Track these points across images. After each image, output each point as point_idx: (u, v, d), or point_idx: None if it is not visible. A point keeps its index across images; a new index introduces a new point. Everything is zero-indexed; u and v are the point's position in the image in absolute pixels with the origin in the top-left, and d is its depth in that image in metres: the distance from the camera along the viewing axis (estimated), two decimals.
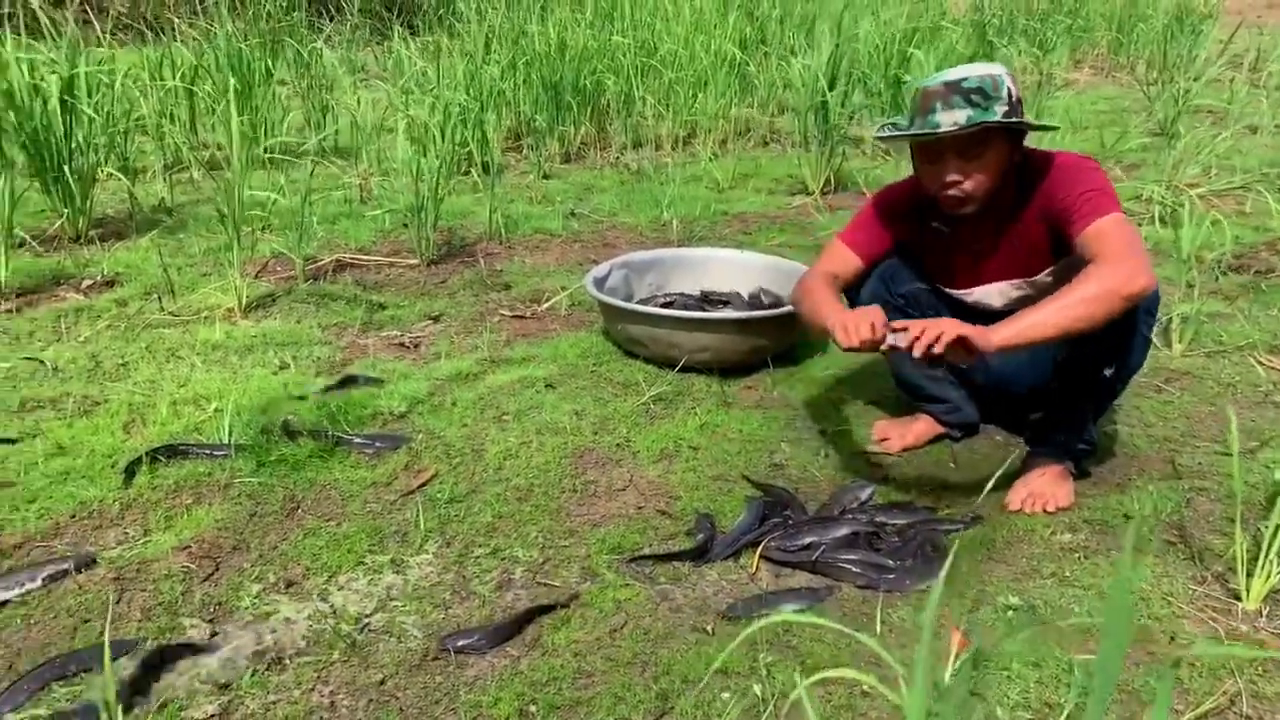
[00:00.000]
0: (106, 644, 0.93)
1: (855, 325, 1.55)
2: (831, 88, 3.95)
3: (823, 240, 3.33)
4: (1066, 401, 1.74)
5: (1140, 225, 3.47)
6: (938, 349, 1.45)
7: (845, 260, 1.87)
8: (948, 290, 1.89)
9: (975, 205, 1.69)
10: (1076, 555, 1.61)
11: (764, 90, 5.15)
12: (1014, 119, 1.60)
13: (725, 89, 4.87)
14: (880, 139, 1.76)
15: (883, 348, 1.56)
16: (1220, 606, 1.48)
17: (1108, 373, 1.67)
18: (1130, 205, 3.73)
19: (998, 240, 1.76)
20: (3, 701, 1.22)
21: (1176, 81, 5.22)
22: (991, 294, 1.83)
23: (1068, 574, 1.55)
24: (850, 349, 1.57)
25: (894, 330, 1.53)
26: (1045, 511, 1.72)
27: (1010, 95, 1.61)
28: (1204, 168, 3.95)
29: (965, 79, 1.60)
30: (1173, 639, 1.40)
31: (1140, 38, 7.16)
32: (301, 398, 2.12)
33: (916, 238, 1.86)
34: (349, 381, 2.22)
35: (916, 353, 1.47)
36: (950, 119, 1.59)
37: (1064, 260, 1.70)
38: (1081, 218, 1.57)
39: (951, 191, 1.67)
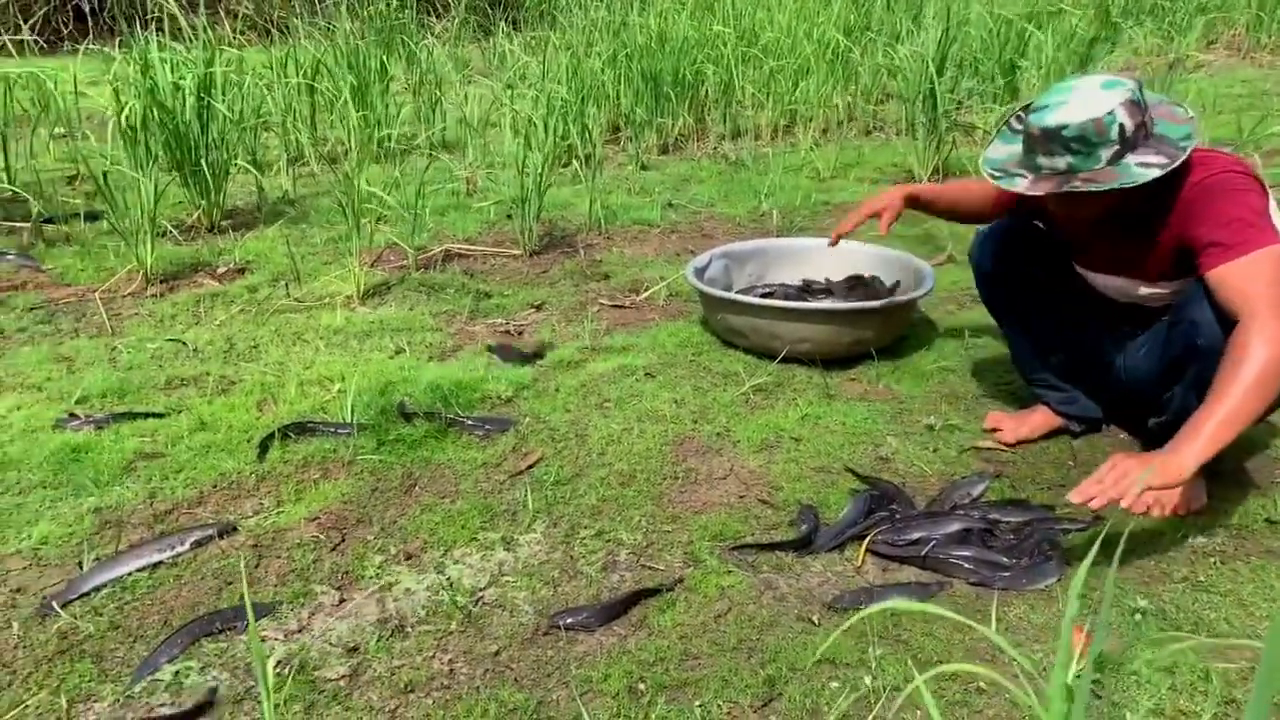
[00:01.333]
0: (249, 605, 1.00)
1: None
2: (940, 74, 3.82)
3: (930, 228, 3.24)
4: (1177, 412, 1.62)
5: None
6: (1126, 504, 1.31)
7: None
8: (1077, 267, 1.82)
9: (1089, 224, 1.64)
10: (1212, 560, 1.52)
11: (868, 77, 5.03)
12: (1121, 161, 1.47)
13: (828, 76, 4.78)
14: (985, 168, 1.67)
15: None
16: None
17: None
18: (1273, 194, 3.46)
19: (1129, 236, 1.66)
20: (160, 653, 1.33)
21: None
22: (1110, 286, 1.76)
23: (1202, 579, 1.47)
24: None
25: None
26: (1176, 515, 1.63)
27: (1122, 132, 1.47)
28: None
29: (1065, 126, 1.48)
30: None
31: None
32: (535, 356, 2.35)
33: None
34: (535, 355, 2.40)
35: (1095, 504, 1.33)
36: (1051, 165, 1.52)
37: (1189, 282, 1.57)
38: (1212, 258, 1.44)
39: (1059, 219, 1.67)
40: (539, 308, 2.75)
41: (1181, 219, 1.52)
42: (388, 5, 5.22)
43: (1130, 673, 1.26)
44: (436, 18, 6.60)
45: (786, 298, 2.51)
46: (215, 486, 1.79)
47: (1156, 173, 1.47)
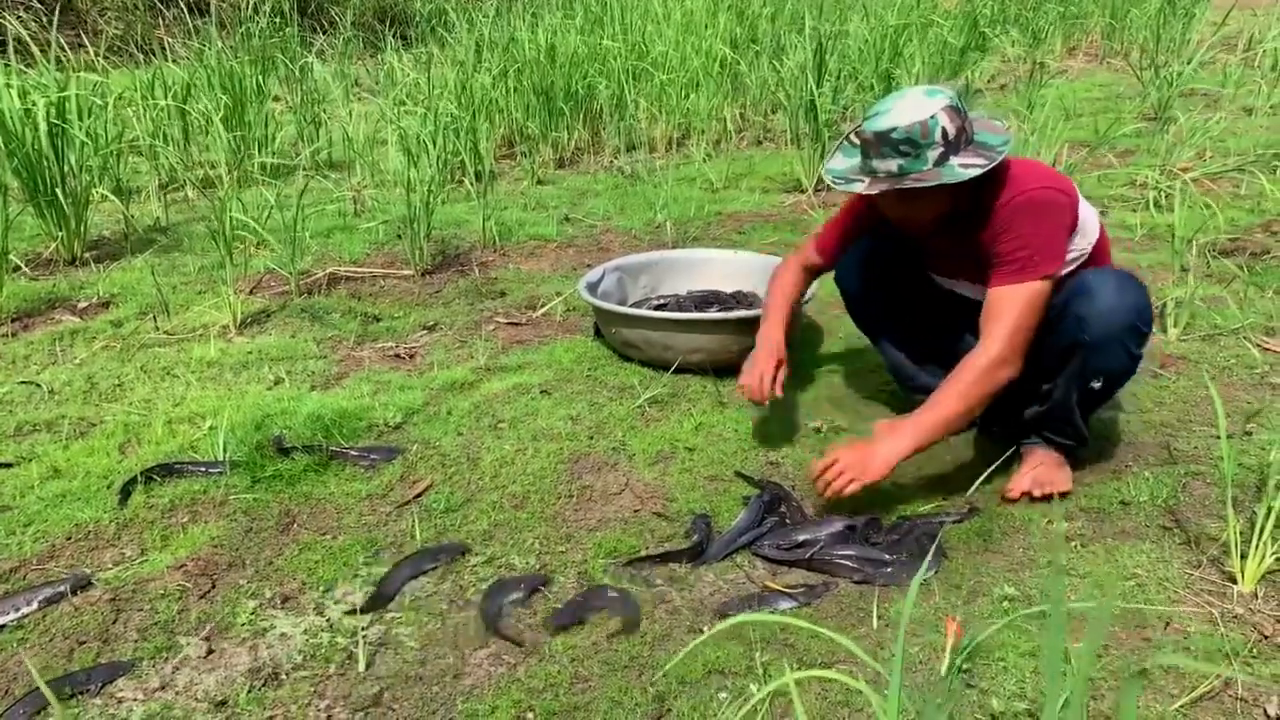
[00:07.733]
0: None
1: (752, 379, 1.85)
2: (819, 85, 3.94)
3: None
4: (1057, 401, 1.73)
5: (1134, 211, 3.45)
6: (842, 491, 1.62)
7: (816, 257, 2.01)
8: (932, 275, 1.90)
9: (927, 229, 1.74)
10: (1073, 544, 1.60)
11: (756, 89, 5.15)
12: (946, 163, 1.59)
13: (717, 89, 4.87)
14: (828, 177, 1.76)
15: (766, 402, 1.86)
16: (1216, 590, 1.47)
17: (1095, 385, 1.68)
18: (1124, 191, 3.71)
19: (961, 242, 1.75)
20: None
21: (1170, 65, 5.20)
22: (964, 289, 1.85)
23: (1064, 562, 1.55)
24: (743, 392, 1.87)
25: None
26: (1046, 498, 1.72)
27: (945, 135, 1.58)
28: (1198, 151, 3.93)
29: (894, 129, 1.58)
30: (1168, 624, 1.39)
31: (1134, 22, 7.13)
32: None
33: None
34: None
35: (826, 493, 1.64)
36: (884, 167, 1.62)
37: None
38: (996, 277, 1.63)
39: (899, 223, 1.75)
40: (432, 329, 2.69)
41: (995, 231, 1.65)
42: (270, 23, 5.04)
43: (998, 659, 1.31)
44: (323, 33, 6.41)
45: (680, 309, 2.53)
46: (70, 538, 1.67)
47: (977, 171, 1.59)
